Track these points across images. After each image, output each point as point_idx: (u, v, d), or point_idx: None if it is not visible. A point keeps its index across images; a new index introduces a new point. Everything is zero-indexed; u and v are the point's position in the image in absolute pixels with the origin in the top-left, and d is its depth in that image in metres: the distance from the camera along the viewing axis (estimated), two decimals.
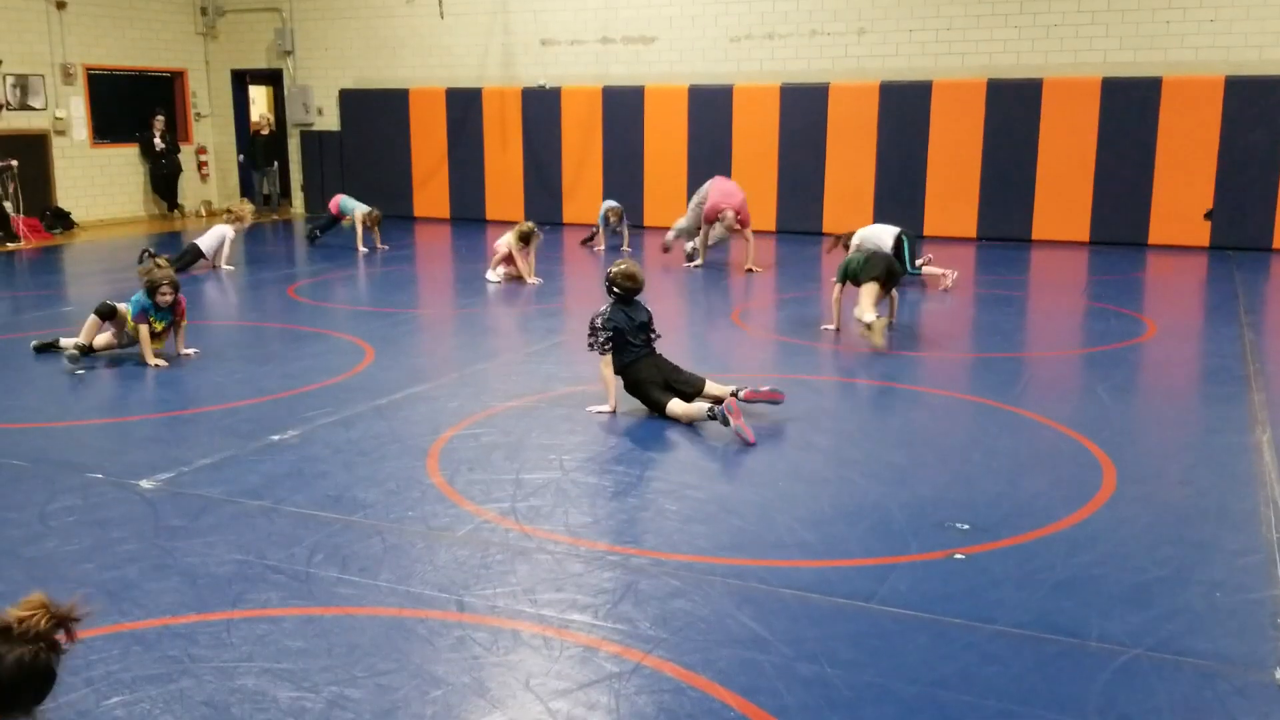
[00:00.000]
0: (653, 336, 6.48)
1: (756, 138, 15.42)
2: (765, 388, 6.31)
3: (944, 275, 10.65)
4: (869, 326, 7.97)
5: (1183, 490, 5.11)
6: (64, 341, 7.77)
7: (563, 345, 8.31)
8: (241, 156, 19.27)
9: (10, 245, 14.69)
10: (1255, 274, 11.75)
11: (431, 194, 17.78)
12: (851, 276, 8.39)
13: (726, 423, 5.84)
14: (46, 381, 7.29)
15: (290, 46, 18.53)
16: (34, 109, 16.50)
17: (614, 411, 6.34)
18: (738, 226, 11.96)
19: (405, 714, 3.18)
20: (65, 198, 16.84)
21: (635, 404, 6.40)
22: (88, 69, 17.27)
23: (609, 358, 6.34)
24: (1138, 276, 12.00)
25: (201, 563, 4.25)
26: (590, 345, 6.38)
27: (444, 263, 14.00)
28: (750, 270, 11.96)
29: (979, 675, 3.40)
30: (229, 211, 13.25)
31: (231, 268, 12.33)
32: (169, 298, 7.57)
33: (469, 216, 17.42)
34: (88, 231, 16.53)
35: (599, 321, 6.34)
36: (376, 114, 17.87)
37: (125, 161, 17.98)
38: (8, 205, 15.13)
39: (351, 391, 6.87)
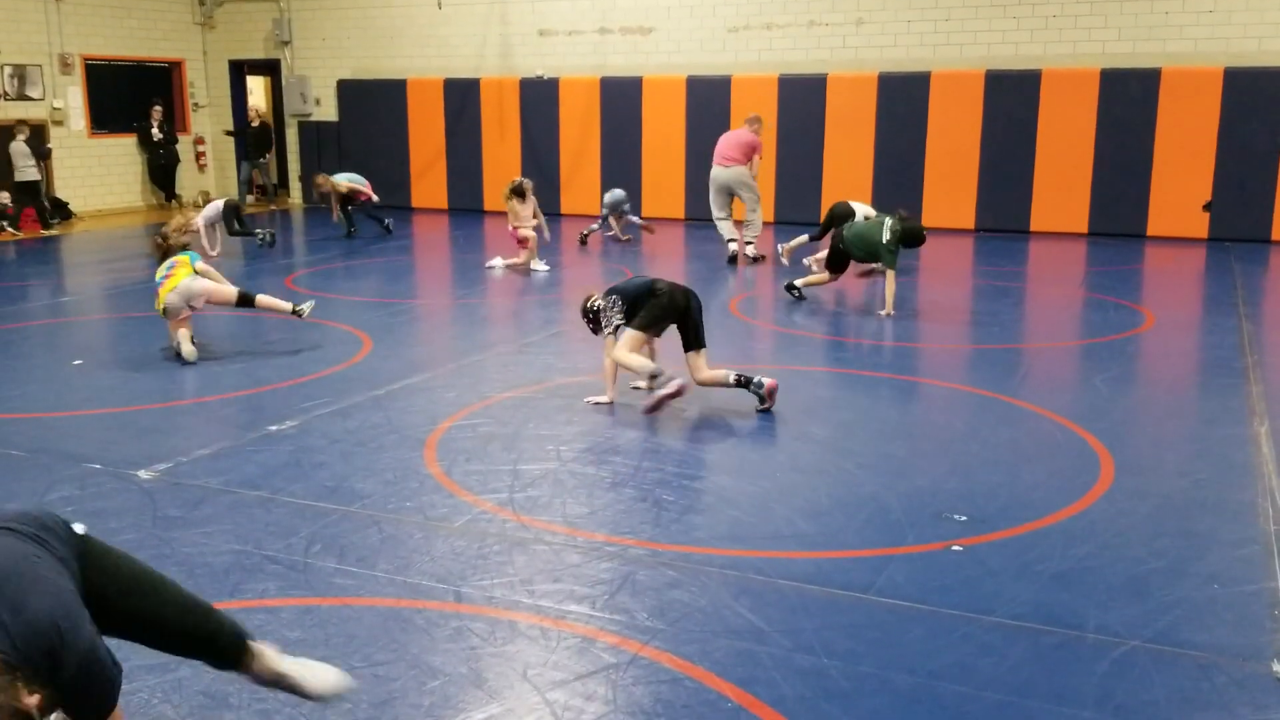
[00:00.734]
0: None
1: None
2: (668, 390, 6.10)
3: (813, 265, 10.80)
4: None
5: (1181, 482, 5.11)
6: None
7: (561, 336, 8.30)
8: (233, 139, 19.08)
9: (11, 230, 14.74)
10: (1254, 265, 11.74)
11: (429, 185, 17.75)
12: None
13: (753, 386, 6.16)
14: (45, 371, 7.28)
15: (288, 37, 18.48)
16: (31, 99, 16.46)
17: (612, 403, 6.33)
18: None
19: (403, 704, 3.19)
20: (63, 188, 16.81)
21: (634, 396, 6.39)
22: (85, 59, 17.22)
23: (611, 343, 6.27)
24: (1136, 268, 12.00)
25: (199, 553, 4.25)
26: (600, 329, 6.35)
27: (442, 253, 13.98)
28: (747, 246, 12.14)
29: (976, 666, 3.40)
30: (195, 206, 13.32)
31: (214, 253, 12.32)
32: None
33: (467, 207, 17.39)
34: (85, 222, 16.51)
35: (600, 303, 6.32)
36: (374, 104, 17.83)
37: (123, 152, 17.94)
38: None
39: (349, 382, 6.87)
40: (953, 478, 5.17)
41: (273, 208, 18.26)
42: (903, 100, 14.59)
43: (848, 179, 14.89)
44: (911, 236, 9.05)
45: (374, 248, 13.46)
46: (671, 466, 5.37)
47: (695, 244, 13.72)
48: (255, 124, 18.52)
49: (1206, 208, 13.53)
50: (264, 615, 3.72)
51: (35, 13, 16.44)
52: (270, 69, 19.46)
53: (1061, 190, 14.13)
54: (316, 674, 2.97)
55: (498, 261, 11.71)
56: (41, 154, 15.61)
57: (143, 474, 5.15)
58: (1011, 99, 14.13)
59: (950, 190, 14.57)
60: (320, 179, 14.26)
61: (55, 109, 16.76)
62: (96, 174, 17.54)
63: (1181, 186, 13.58)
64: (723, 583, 3.99)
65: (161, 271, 7.46)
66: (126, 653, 3.43)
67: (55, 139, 16.77)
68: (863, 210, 11.02)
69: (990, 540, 4.39)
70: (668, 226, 14.98)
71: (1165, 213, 13.74)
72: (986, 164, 14.40)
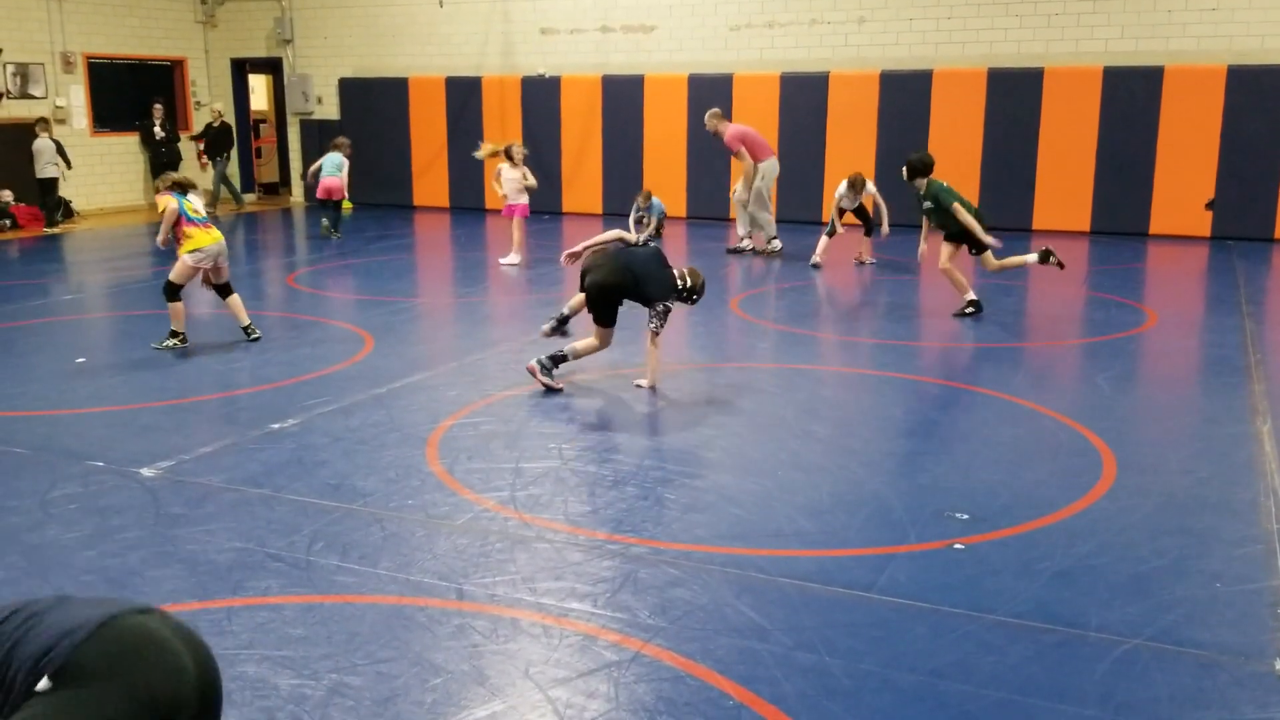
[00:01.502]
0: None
1: (756, 127, 15.32)
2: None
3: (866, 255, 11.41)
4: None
5: (1183, 480, 5.11)
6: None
7: (562, 334, 8.29)
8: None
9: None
10: (1256, 264, 11.73)
11: (431, 183, 17.75)
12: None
13: None
14: (48, 370, 7.29)
15: (290, 35, 18.48)
16: (34, 97, 16.47)
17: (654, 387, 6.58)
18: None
19: (405, 701, 3.19)
20: (66, 186, 16.79)
21: (633, 395, 6.39)
22: (88, 57, 17.23)
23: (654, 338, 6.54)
24: (1138, 266, 11.99)
25: (202, 550, 4.25)
26: (659, 328, 6.53)
27: (443, 251, 13.99)
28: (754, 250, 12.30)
29: (978, 665, 3.41)
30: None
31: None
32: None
33: (468, 205, 17.39)
34: (87, 220, 16.51)
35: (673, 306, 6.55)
36: (376, 103, 17.83)
37: (125, 150, 17.95)
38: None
39: (351, 380, 6.87)
40: (954, 476, 5.17)
41: (213, 211, 18.05)
42: (905, 98, 14.57)
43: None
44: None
45: (375, 246, 13.47)
46: (673, 464, 5.37)
47: (697, 241, 13.72)
48: (216, 124, 17.84)
49: (1209, 206, 13.52)
50: (267, 613, 3.72)
51: (38, 11, 16.45)
52: (272, 67, 19.47)
53: (1064, 188, 14.11)
54: None
55: (514, 258, 11.75)
56: (63, 152, 15.64)
57: (146, 472, 5.15)
58: (1014, 97, 14.12)
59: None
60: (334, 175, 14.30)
61: (58, 107, 16.76)
62: (99, 172, 17.55)
63: (1184, 185, 13.56)
64: (724, 581, 3.99)
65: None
66: None
67: (58, 137, 16.76)
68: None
69: (992, 539, 4.39)
70: (669, 225, 14.97)
71: (1168, 211, 13.72)
72: (988, 162, 14.38)
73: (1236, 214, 13.39)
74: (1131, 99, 13.60)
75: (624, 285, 6.45)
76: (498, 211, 12.73)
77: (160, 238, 7.83)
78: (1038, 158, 14.18)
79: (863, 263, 11.76)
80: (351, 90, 18.12)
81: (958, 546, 4.30)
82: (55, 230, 15.26)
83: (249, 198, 19.31)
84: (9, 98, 16.09)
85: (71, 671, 1.79)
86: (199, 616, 3.69)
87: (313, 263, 12.45)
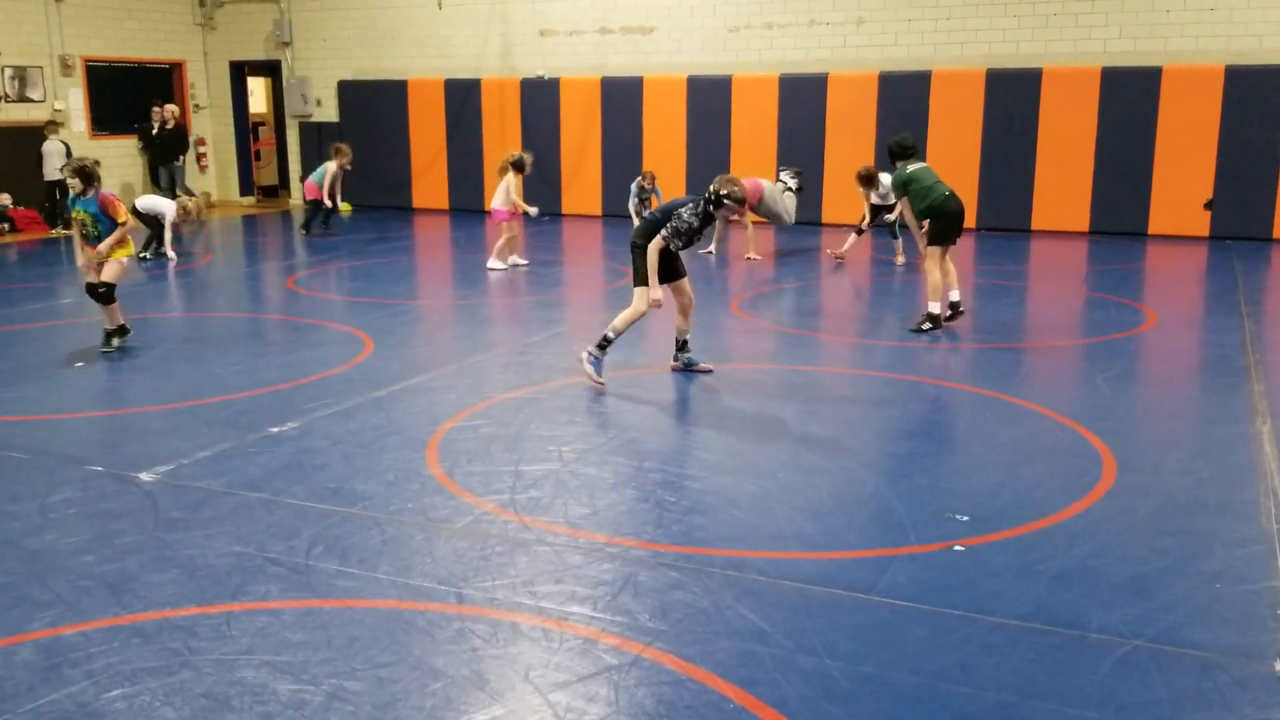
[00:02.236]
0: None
1: (755, 128, 15.39)
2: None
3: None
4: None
5: (1183, 481, 5.11)
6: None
7: (561, 336, 8.30)
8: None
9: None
10: (1255, 264, 11.73)
11: (430, 185, 17.76)
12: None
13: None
14: (46, 373, 7.28)
15: (288, 37, 18.48)
16: (33, 101, 16.47)
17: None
18: (735, 216, 11.93)
19: (405, 706, 3.19)
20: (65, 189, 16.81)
21: (634, 394, 6.39)
22: (86, 60, 17.22)
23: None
24: (1137, 266, 11.99)
25: (201, 555, 4.25)
26: (669, 238, 6.65)
27: (442, 253, 13.98)
28: (750, 259, 12.11)
29: (978, 667, 3.40)
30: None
31: (174, 257, 12.39)
32: (78, 187, 7.65)
33: (468, 207, 17.40)
34: None
35: (691, 221, 6.65)
36: (375, 105, 17.83)
37: (124, 153, 17.94)
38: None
39: (350, 383, 6.87)
40: (954, 477, 5.17)
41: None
42: (904, 99, 14.58)
43: (849, 178, 14.84)
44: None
45: (374, 248, 13.47)
46: (673, 467, 5.37)
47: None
48: (170, 126, 17.33)
49: (1208, 206, 13.52)
50: (266, 617, 3.72)
51: (36, 14, 16.45)
52: (271, 70, 19.47)
53: (1062, 188, 14.12)
54: None
55: (520, 261, 11.81)
56: (70, 154, 15.65)
57: (144, 476, 5.15)
58: (1012, 97, 14.13)
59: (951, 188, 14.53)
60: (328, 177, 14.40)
61: (56, 110, 16.75)
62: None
63: (1182, 185, 13.57)
64: (725, 583, 3.99)
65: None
66: (128, 655, 3.45)
67: None
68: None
69: (992, 540, 4.39)
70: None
71: (1166, 211, 13.73)
72: (987, 163, 14.39)
73: (1235, 214, 13.40)
74: (1130, 99, 13.61)
75: (657, 224, 6.74)
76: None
77: (105, 249, 7.63)
78: (1036, 158, 14.20)
79: (895, 264, 11.85)
80: (350, 93, 18.12)
81: (958, 548, 4.30)
82: (57, 234, 15.26)
83: (248, 200, 19.31)
84: (7, 101, 16.08)
85: None
86: (198, 621, 3.69)
87: (312, 265, 12.45)
